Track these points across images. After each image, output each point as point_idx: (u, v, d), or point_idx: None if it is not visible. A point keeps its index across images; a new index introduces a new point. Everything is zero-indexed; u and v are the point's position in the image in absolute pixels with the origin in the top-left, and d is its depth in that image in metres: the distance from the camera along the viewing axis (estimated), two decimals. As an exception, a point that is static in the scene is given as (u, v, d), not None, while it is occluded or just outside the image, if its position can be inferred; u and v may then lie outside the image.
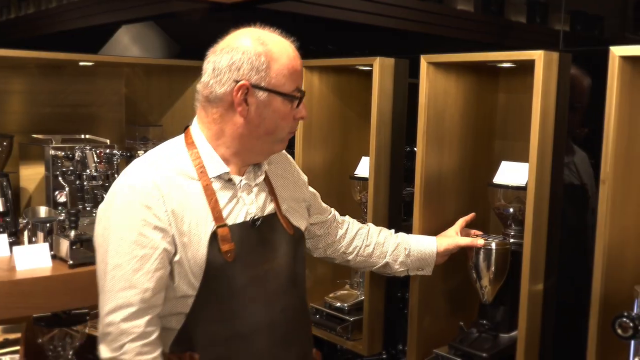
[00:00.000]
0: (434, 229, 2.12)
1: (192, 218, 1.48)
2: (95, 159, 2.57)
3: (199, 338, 1.50)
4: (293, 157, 2.55)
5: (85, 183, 2.56)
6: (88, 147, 2.58)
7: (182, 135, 1.60)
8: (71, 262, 2.15)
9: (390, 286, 2.38)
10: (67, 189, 2.55)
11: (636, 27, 1.90)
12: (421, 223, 2.09)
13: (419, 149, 2.07)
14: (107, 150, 2.61)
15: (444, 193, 2.15)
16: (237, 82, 1.48)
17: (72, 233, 2.23)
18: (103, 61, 2.84)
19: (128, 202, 1.46)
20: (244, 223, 1.55)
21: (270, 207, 1.63)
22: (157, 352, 1.46)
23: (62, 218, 2.43)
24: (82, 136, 2.82)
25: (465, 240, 1.97)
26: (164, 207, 1.45)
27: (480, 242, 1.96)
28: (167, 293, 1.49)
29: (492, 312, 2.05)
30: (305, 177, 1.87)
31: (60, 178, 2.56)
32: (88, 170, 2.56)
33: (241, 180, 1.58)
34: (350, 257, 1.94)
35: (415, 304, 2.12)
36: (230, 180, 1.56)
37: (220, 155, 1.55)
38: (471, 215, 2.02)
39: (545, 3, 2.56)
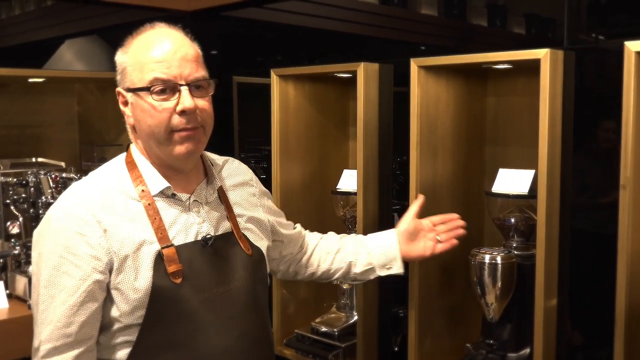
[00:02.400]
0: (430, 244, 1.99)
1: (134, 241, 1.38)
2: (51, 184, 2.35)
3: None
4: (269, 172, 2.41)
5: (40, 211, 2.33)
6: (42, 172, 2.35)
7: (124, 154, 1.51)
8: (31, 301, 1.92)
9: (384, 305, 2.23)
10: (20, 218, 2.32)
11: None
12: (416, 238, 1.95)
13: (412, 159, 1.93)
14: (64, 174, 2.39)
15: (440, 204, 2.01)
16: (116, 90, 1.46)
17: (30, 268, 2.01)
18: (54, 77, 2.61)
19: (61, 229, 1.37)
20: (194, 243, 1.44)
21: (226, 226, 1.52)
22: None
23: (16, 252, 2.21)
24: (34, 159, 2.58)
25: (414, 208, 1.84)
26: (98, 233, 1.36)
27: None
28: (111, 321, 1.39)
29: (498, 330, 1.92)
30: (269, 195, 1.75)
31: (12, 207, 2.32)
32: (43, 197, 2.34)
33: (190, 198, 1.47)
34: (313, 269, 1.84)
35: (414, 325, 1.97)
36: (174, 196, 1.45)
37: (159, 170, 1.46)
38: (422, 198, 1.86)
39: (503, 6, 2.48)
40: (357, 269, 1.82)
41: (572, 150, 1.76)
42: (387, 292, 2.22)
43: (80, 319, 1.35)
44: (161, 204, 1.44)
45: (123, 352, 1.39)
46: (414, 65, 1.90)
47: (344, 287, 2.33)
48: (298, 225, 1.85)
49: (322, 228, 2.47)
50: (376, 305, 2.21)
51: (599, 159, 1.84)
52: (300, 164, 2.43)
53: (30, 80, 2.46)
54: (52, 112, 2.86)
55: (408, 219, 1.82)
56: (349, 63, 2.11)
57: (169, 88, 1.38)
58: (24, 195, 2.35)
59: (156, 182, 1.44)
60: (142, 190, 1.43)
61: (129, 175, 1.45)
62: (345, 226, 2.36)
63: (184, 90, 1.38)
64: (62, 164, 2.52)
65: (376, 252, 1.81)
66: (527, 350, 1.89)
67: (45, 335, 1.34)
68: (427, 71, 1.92)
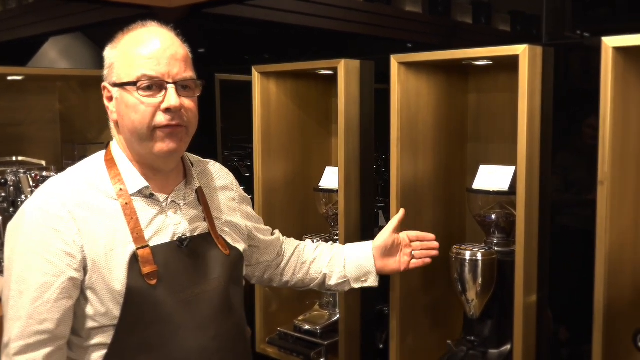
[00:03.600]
0: (412, 241, 1.99)
1: (109, 240, 1.37)
2: (31, 183, 2.32)
3: None
4: (251, 170, 2.40)
5: (20, 210, 2.30)
6: (22, 171, 2.33)
7: (103, 151, 1.49)
8: (2, 297, 1.89)
9: (366, 303, 2.23)
10: (0, 218, 2.28)
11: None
12: (398, 235, 1.95)
13: (393, 156, 1.92)
14: (44, 173, 2.37)
15: (421, 202, 2.01)
16: (102, 85, 1.45)
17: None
18: (34, 75, 2.58)
19: (35, 224, 1.35)
20: (169, 243, 1.42)
21: (202, 227, 1.51)
22: None
23: (-5, 252, 2.18)
24: (14, 158, 2.56)
25: (393, 223, 1.79)
26: (74, 230, 1.34)
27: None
28: (85, 322, 1.37)
29: (479, 326, 1.92)
30: (249, 202, 1.74)
31: (-9, 206, 2.30)
32: (23, 196, 2.31)
33: (167, 198, 1.46)
34: (287, 278, 1.82)
35: (396, 322, 1.97)
36: (152, 196, 1.44)
37: (138, 169, 1.44)
38: (402, 212, 1.82)
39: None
40: (332, 281, 1.79)
41: (552, 147, 1.76)
42: (369, 290, 2.21)
43: (54, 317, 1.33)
44: (139, 204, 1.42)
45: (98, 354, 1.38)
46: (394, 61, 1.90)
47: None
48: (277, 232, 1.82)
49: (305, 226, 2.48)
50: (359, 303, 2.21)
51: (579, 155, 1.84)
52: (283, 162, 2.42)
53: (10, 78, 2.43)
54: (33, 110, 2.83)
55: (386, 234, 1.78)
56: (330, 60, 2.10)
57: (155, 85, 1.37)
58: (3, 194, 2.33)
59: (135, 181, 1.43)
60: (120, 189, 1.41)
61: (107, 173, 1.43)
62: (327, 223, 2.35)
63: (171, 88, 1.37)
64: (43, 162, 2.49)
65: (351, 266, 1.78)
66: (508, 347, 1.89)
67: (16, 332, 1.32)
68: (407, 67, 1.91)
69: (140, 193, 1.43)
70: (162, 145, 1.39)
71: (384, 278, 1.97)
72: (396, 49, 1.95)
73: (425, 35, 2.76)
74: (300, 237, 2.35)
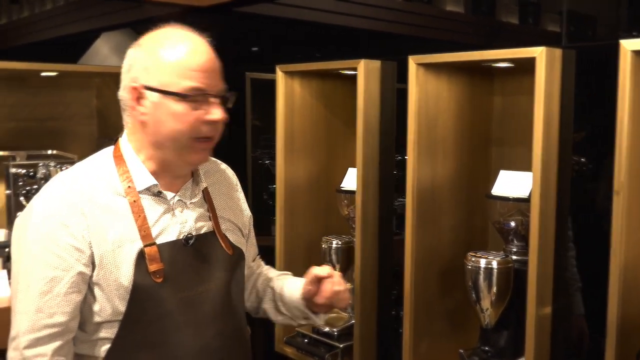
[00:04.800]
0: (429, 245, 1.95)
1: (116, 237, 1.37)
2: (60, 177, 2.38)
3: None
4: (274, 170, 2.40)
5: (49, 203, 2.36)
6: (52, 164, 2.39)
7: (111, 148, 1.49)
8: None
9: (383, 308, 2.19)
10: (29, 210, 2.35)
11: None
12: (414, 239, 1.91)
13: (409, 159, 1.89)
14: (74, 167, 2.42)
15: (439, 206, 1.97)
16: (131, 84, 1.39)
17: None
18: (67, 71, 2.64)
19: (45, 218, 1.36)
20: (175, 242, 1.43)
21: (207, 226, 1.51)
22: None
23: (23, 242, 2.23)
24: (49, 152, 2.63)
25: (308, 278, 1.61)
26: (83, 225, 1.35)
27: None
28: (90, 317, 1.38)
29: (495, 337, 1.87)
30: (249, 214, 1.69)
31: (22, 198, 2.36)
32: (52, 189, 2.37)
33: (174, 197, 1.46)
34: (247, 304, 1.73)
35: (409, 328, 1.93)
36: (160, 194, 1.44)
37: (148, 167, 1.44)
38: (326, 271, 1.60)
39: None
40: (277, 318, 1.70)
41: (571, 153, 1.69)
42: (387, 294, 2.18)
43: (64, 310, 1.34)
44: (146, 202, 1.43)
45: (101, 349, 1.40)
46: (412, 62, 1.86)
47: (349, 287, 2.30)
48: (259, 261, 1.78)
49: (327, 227, 2.47)
50: (375, 307, 2.17)
51: (599, 161, 1.77)
52: (307, 162, 2.41)
53: (43, 74, 2.50)
54: (71, 105, 2.91)
55: (306, 287, 1.61)
56: (350, 60, 2.08)
57: (202, 97, 1.37)
58: (35, 186, 2.39)
59: (143, 178, 1.43)
60: (129, 187, 1.41)
61: (116, 170, 1.43)
62: (349, 225, 2.33)
63: (216, 102, 1.39)
64: (75, 157, 2.56)
65: (288, 304, 1.66)
66: (524, 359, 1.83)
67: (25, 325, 1.33)
68: (426, 69, 1.87)
69: (148, 190, 1.43)
70: (198, 157, 1.42)
71: (400, 283, 1.94)
72: (429, 49, 1.90)
73: (466, 35, 2.69)
74: (320, 238, 2.35)
